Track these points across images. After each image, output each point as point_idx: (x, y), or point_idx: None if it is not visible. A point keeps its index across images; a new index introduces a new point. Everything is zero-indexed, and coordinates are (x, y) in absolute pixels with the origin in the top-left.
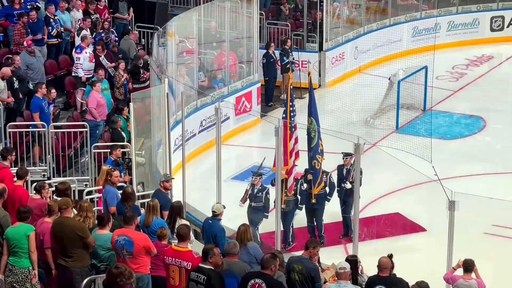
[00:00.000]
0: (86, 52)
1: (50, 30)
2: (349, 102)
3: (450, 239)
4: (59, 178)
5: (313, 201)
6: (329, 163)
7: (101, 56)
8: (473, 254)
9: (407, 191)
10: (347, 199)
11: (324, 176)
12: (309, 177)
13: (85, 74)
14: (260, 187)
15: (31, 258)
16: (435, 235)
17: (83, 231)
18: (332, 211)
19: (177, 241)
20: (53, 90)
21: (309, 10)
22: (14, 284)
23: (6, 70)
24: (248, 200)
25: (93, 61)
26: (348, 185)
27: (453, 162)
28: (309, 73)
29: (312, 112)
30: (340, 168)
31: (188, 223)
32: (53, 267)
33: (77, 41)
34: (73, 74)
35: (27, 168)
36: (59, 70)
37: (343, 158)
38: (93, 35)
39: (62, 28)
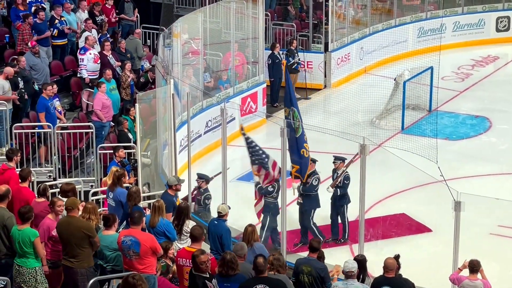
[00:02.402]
0: (90, 53)
1: (52, 31)
2: (354, 102)
3: (455, 239)
4: (65, 179)
5: (300, 201)
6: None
7: (108, 56)
8: (479, 255)
9: (412, 192)
10: (336, 203)
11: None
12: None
13: (89, 75)
14: (202, 191)
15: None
16: (441, 235)
17: (90, 230)
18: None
19: (183, 242)
20: (55, 86)
21: (315, 11)
22: (22, 285)
23: (9, 70)
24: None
25: (98, 62)
26: (330, 189)
27: (458, 162)
28: (283, 64)
29: (293, 102)
30: (333, 171)
31: (195, 223)
32: (45, 263)
33: (81, 42)
34: (78, 75)
35: (33, 169)
36: (64, 71)
37: (333, 162)
38: (98, 36)
39: (64, 26)
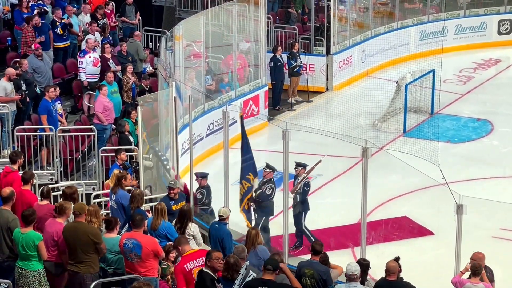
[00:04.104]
0: (90, 57)
1: (53, 35)
2: (356, 105)
3: (457, 242)
4: (67, 182)
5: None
6: (337, 167)
7: (109, 60)
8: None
9: (414, 195)
10: (296, 210)
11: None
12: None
13: (87, 78)
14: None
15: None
16: (443, 238)
17: (97, 237)
18: (338, 216)
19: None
20: (57, 88)
21: (317, 14)
22: (25, 287)
23: (11, 71)
24: None
25: (98, 65)
26: (290, 195)
27: (460, 165)
28: (241, 116)
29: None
30: (294, 178)
31: (197, 226)
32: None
33: (83, 45)
34: (78, 78)
35: (35, 172)
36: (66, 74)
37: (295, 168)
38: (101, 39)
39: (66, 20)
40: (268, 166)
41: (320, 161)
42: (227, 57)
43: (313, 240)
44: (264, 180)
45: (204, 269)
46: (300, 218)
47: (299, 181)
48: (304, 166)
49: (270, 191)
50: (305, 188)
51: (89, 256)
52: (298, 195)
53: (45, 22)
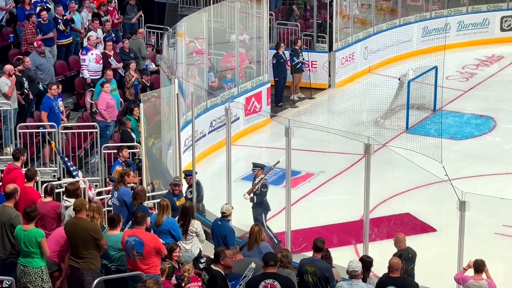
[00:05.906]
0: (92, 54)
1: (59, 29)
2: (359, 102)
3: (460, 239)
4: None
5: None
6: (339, 164)
7: (110, 57)
8: (483, 255)
9: (417, 192)
10: (256, 212)
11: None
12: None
13: (90, 76)
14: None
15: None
16: (446, 235)
17: (97, 233)
18: (341, 212)
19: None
20: (60, 86)
21: (319, 11)
22: (28, 284)
23: (9, 67)
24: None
25: (100, 62)
26: (246, 196)
27: (463, 162)
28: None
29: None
30: (254, 178)
31: (200, 223)
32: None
33: (85, 42)
34: (80, 75)
35: (38, 169)
36: (69, 71)
37: (252, 170)
38: (103, 36)
39: (68, 16)
40: (186, 174)
41: (278, 161)
42: (226, 54)
43: (276, 241)
44: (187, 186)
45: (213, 267)
46: (261, 219)
47: (256, 182)
48: (261, 167)
49: (191, 195)
50: (262, 189)
51: (89, 252)
52: (255, 196)
53: (49, 20)
